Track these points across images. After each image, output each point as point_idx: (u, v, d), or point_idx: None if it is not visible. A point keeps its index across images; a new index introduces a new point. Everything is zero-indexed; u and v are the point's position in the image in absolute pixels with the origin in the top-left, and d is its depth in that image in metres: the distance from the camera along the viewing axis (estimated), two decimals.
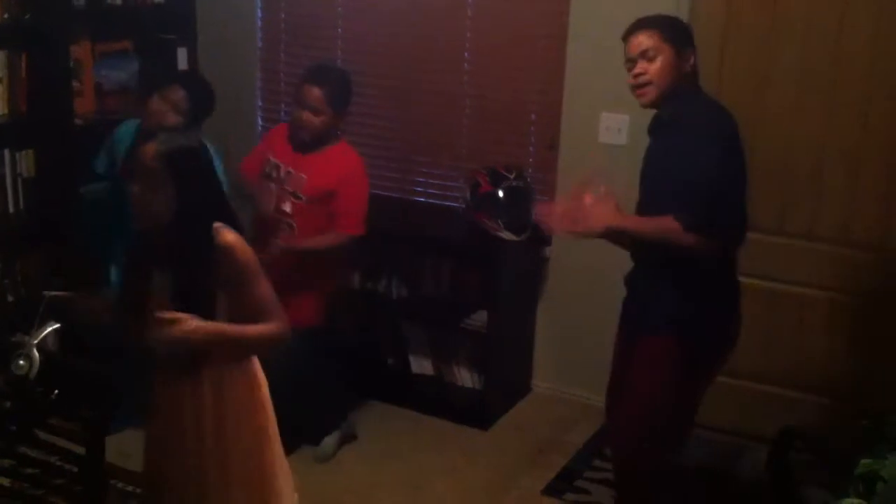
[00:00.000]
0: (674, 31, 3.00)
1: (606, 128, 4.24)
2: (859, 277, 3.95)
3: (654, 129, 3.13)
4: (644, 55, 2.98)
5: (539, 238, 4.41)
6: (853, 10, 3.78)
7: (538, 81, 4.40)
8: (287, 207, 3.73)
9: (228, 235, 2.54)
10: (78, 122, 4.18)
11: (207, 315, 2.50)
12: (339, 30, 4.77)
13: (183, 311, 2.46)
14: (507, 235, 4.15)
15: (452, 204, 4.52)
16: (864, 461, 2.52)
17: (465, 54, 4.52)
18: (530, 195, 4.25)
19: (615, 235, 3.04)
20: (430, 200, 4.66)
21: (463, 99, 4.54)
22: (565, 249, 4.43)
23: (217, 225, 2.54)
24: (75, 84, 4.22)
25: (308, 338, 3.66)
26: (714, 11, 4.00)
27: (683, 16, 3.99)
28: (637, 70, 3.00)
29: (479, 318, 4.33)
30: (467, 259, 4.35)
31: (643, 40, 2.98)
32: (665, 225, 2.85)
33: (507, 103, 4.46)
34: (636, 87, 3.03)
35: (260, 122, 5.06)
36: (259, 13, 4.94)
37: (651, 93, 3.02)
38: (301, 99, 3.70)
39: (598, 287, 4.40)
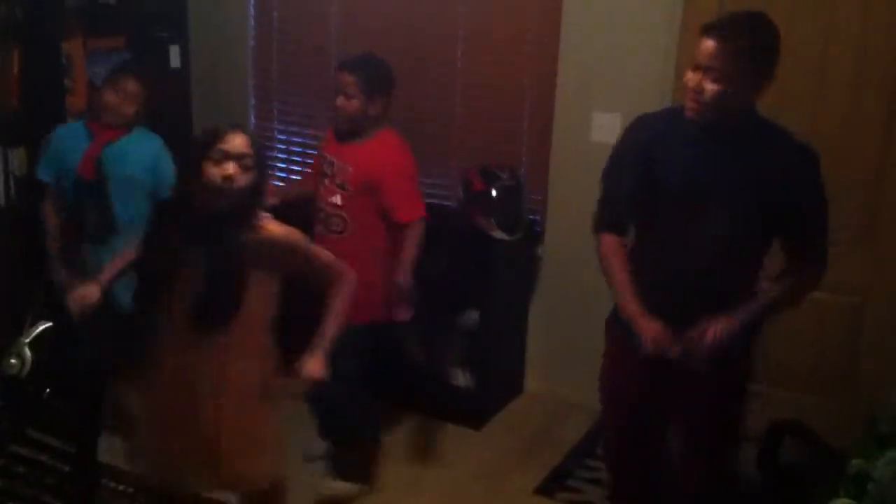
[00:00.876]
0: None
1: (599, 126, 4.24)
2: (849, 275, 3.96)
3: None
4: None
5: (531, 237, 4.42)
6: (843, 12, 3.80)
7: (531, 79, 4.41)
8: (337, 200, 3.70)
9: (273, 224, 2.71)
10: (70, 119, 4.16)
11: (229, 295, 2.62)
12: (332, 28, 4.76)
13: (208, 288, 2.58)
14: (499, 234, 4.15)
15: (445, 203, 4.51)
16: (855, 461, 2.54)
17: (458, 53, 4.52)
18: (523, 194, 4.25)
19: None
20: (433, 201, 4.66)
21: (455, 97, 4.54)
22: (558, 249, 4.43)
23: (265, 214, 2.71)
24: (67, 81, 4.20)
25: (372, 334, 3.70)
26: (706, 8, 3.99)
27: (677, 12, 4.02)
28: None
29: (472, 317, 4.33)
30: (459, 258, 4.34)
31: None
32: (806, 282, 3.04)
33: (500, 102, 4.47)
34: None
35: (253, 119, 5.05)
36: (252, 11, 4.93)
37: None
38: (336, 85, 3.71)
39: (591, 286, 4.39)
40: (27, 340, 2.41)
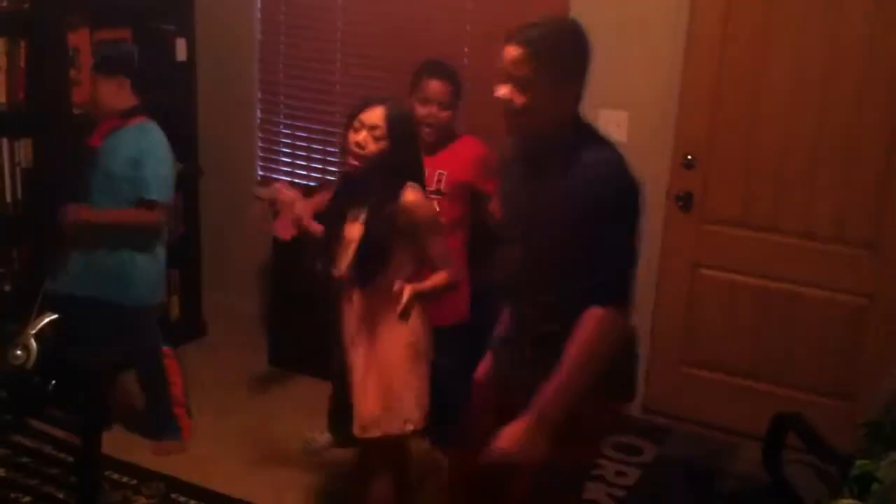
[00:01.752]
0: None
1: (606, 124, 4.22)
2: (853, 275, 3.97)
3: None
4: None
5: None
6: (848, 10, 3.79)
7: None
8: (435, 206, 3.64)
9: (412, 194, 2.97)
10: (76, 111, 4.16)
11: (379, 256, 2.95)
12: (339, 22, 4.75)
13: (364, 249, 2.95)
14: None
15: None
16: (859, 462, 2.53)
17: (465, 48, 4.51)
18: None
19: None
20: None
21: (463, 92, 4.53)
22: None
23: (410, 183, 2.98)
24: (73, 73, 4.20)
25: (461, 335, 3.66)
26: (713, 8, 3.99)
27: (684, 11, 4.01)
28: None
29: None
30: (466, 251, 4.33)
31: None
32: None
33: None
34: None
35: (259, 113, 5.04)
36: (258, 4, 4.92)
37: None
38: (426, 95, 3.67)
39: None
40: (33, 332, 2.40)
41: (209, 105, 4.83)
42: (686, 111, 4.11)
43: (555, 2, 4.26)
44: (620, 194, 2.42)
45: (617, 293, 2.35)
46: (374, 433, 3.07)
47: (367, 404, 3.06)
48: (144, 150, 3.73)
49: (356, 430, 3.08)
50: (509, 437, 2.37)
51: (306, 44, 4.83)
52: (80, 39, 4.23)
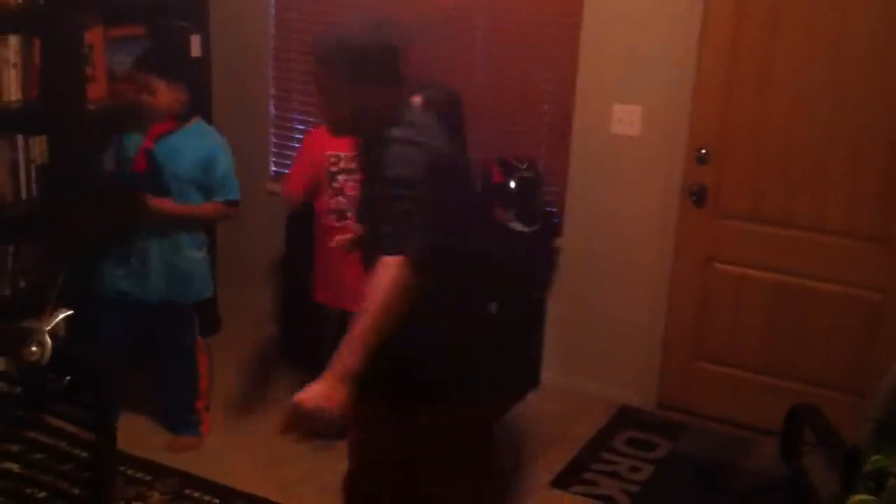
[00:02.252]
0: None
1: (619, 119, 4.23)
2: (866, 269, 3.95)
3: None
4: None
5: (550, 229, 4.41)
6: (856, 4, 3.78)
7: (551, 72, 4.40)
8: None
9: None
10: (90, 107, 4.17)
11: None
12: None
13: None
14: (517, 226, 4.15)
15: None
16: (873, 457, 2.53)
17: (478, 44, 4.51)
18: (541, 186, 4.24)
19: None
20: None
21: (475, 89, 4.52)
22: (576, 241, 4.43)
23: None
24: (88, 70, 4.21)
25: None
26: (726, 2, 3.98)
27: (697, 5, 4.00)
28: None
29: (490, 309, 4.32)
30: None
31: None
32: None
33: (520, 94, 4.46)
34: None
35: (272, 109, 5.06)
36: (272, 0, 4.93)
37: None
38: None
39: (609, 279, 4.41)
40: (48, 328, 2.41)
41: (223, 101, 4.84)
42: (699, 106, 4.10)
43: None
44: (402, 159, 2.49)
45: (396, 246, 2.41)
46: None
47: None
48: (212, 151, 3.80)
49: None
50: (308, 390, 2.44)
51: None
52: (94, 36, 4.24)
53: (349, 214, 3.76)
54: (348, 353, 2.40)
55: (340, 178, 3.85)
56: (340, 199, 3.87)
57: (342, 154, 3.79)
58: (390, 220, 2.43)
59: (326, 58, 2.56)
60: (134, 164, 3.79)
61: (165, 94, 3.72)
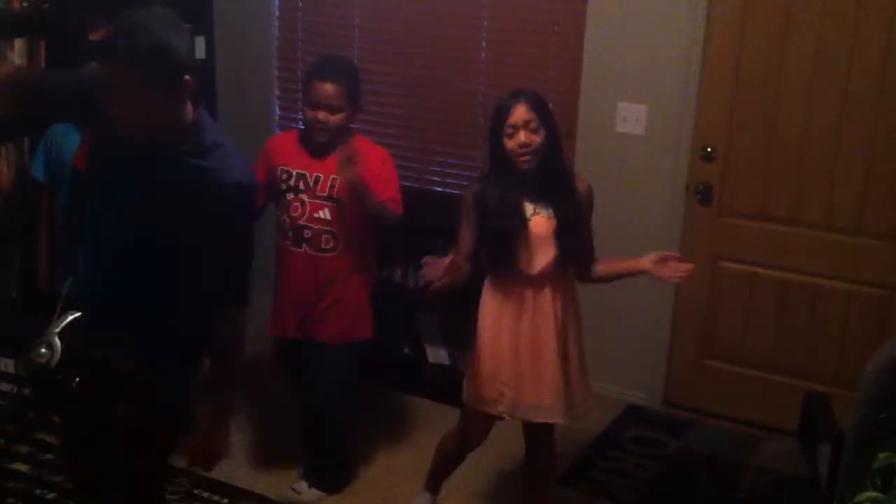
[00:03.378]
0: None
1: (624, 118, 4.24)
2: (874, 267, 3.95)
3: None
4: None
5: None
6: (868, 1, 3.78)
7: (556, 71, 4.40)
8: (325, 214, 3.47)
9: (584, 181, 3.19)
10: None
11: (580, 245, 3.15)
12: (356, 19, 4.76)
13: (563, 231, 3.08)
14: None
15: None
16: (882, 454, 2.52)
17: (483, 43, 4.51)
18: None
19: None
20: (447, 190, 4.66)
21: (480, 87, 4.53)
22: None
23: (576, 175, 3.22)
24: None
25: (361, 351, 3.69)
26: (732, 1, 3.98)
27: (702, 3, 3.99)
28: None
29: None
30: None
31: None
32: None
33: None
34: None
35: (277, 111, 5.06)
36: (276, 1, 4.93)
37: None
38: (314, 98, 3.43)
39: None
40: (57, 330, 2.42)
41: (228, 103, 4.85)
42: (705, 103, 4.10)
43: None
44: None
45: None
46: (545, 418, 3.20)
47: (537, 389, 3.15)
48: None
49: (526, 414, 3.20)
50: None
51: (324, 40, 4.83)
52: (99, 38, 4.25)
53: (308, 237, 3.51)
54: None
55: (289, 196, 3.53)
56: (285, 218, 3.55)
57: (292, 170, 3.53)
58: None
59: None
60: (75, 163, 3.62)
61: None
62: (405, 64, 4.65)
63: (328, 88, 3.40)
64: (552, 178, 3.08)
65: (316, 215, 3.48)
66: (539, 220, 3.07)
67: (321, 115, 3.41)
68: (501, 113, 3.04)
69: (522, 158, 3.02)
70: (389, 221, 3.52)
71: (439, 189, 4.68)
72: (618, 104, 4.24)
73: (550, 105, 3.16)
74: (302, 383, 3.77)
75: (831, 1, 3.83)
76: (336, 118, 3.42)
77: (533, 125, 3.01)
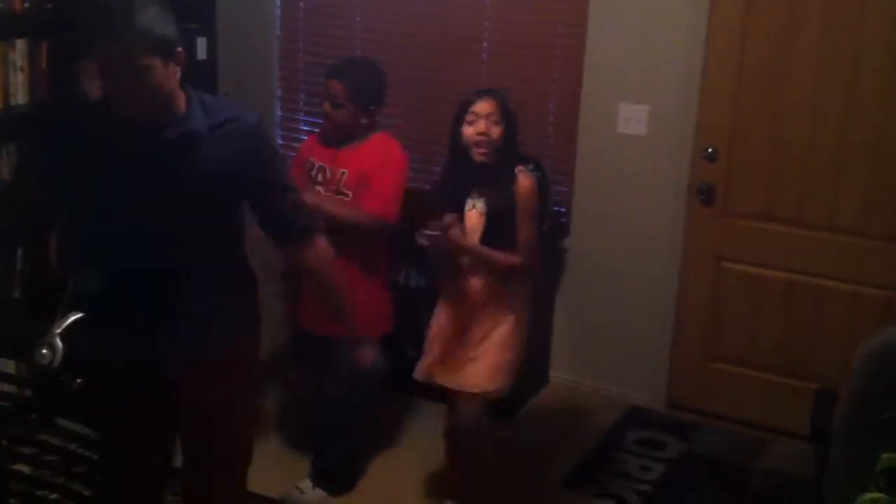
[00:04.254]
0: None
1: (625, 118, 4.23)
2: (879, 268, 3.94)
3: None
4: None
5: (557, 228, 4.41)
6: (871, 21, 3.77)
7: (557, 71, 4.39)
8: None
9: (526, 178, 3.25)
10: None
11: (507, 230, 3.23)
12: (358, 19, 4.76)
13: (491, 226, 3.23)
14: None
15: None
16: (885, 455, 2.51)
17: (484, 44, 4.51)
18: (548, 185, 4.24)
19: None
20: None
21: (481, 88, 4.52)
22: (584, 240, 4.42)
23: (520, 167, 3.27)
24: None
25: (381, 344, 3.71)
26: (734, 3, 3.98)
27: (705, 3, 3.99)
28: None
29: None
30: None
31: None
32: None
33: (526, 93, 4.45)
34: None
35: (279, 111, 5.06)
36: (278, 2, 4.93)
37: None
38: (325, 92, 3.70)
39: (617, 278, 4.40)
40: (59, 331, 2.42)
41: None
42: (707, 103, 4.10)
43: None
44: None
45: None
46: (496, 385, 3.36)
47: (477, 375, 3.33)
48: None
49: (479, 386, 3.34)
50: None
51: (326, 41, 4.83)
52: None
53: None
54: None
55: (310, 187, 3.69)
56: None
57: (316, 162, 3.74)
58: None
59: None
60: None
61: None
62: (406, 66, 4.64)
63: (332, 85, 3.63)
64: (496, 174, 3.22)
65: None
66: (472, 215, 3.26)
67: (327, 108, 3.66)
68: (465, 104, 3.22)
69: (479, 150, 3.18)
70: (372, 228, 3.62)
71: None
72: (619, 105, 4.24)
73: (516, 108, 3.30)
74: (315, 381, 3.80)
75: (835, 2, 3.82)
76: (339, 113, 3.62)
77: (494, 118, 3.16)
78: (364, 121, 3.66)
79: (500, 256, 3.26)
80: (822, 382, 4.02)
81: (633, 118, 4.22)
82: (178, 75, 2.45)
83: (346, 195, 3.62)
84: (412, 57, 4.63)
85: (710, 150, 4.13)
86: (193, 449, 2.79)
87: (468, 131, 3.18)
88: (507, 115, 3.20)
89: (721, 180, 4.15)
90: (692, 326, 4.33)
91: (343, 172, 3.63)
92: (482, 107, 3.17)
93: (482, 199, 3.25)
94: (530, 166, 3.53)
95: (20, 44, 3.99)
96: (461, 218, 3.28)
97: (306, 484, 3.72)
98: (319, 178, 3.69)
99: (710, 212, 4.19)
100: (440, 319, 3.43)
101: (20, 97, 4.02)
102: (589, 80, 4.28)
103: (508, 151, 3.24)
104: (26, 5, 3.97)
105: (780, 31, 3.93)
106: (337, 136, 3.69)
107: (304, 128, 5.01)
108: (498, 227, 3.24)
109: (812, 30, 3.88)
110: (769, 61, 3.97)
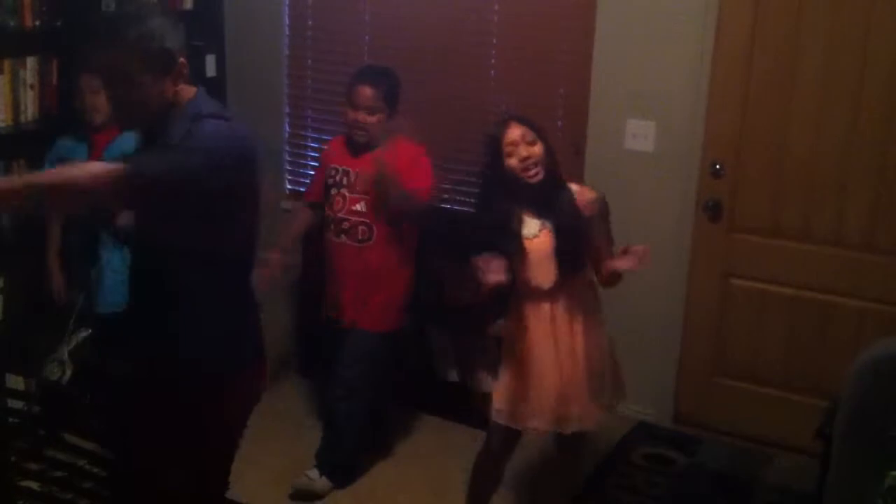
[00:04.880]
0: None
1: (633, 134, 4.24)
2: (886, 284, 3.94)
3: None
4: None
5: None
6: (878, 14, 3.78)
7: (565, 88, 4.41)
8: (360, 207, 3.76)
9: (580, 188, 3.19)
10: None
11: (580, 255, 3.14)
12: (367, 37, 4.78)
13: (567, 253, 3.10)
14: None
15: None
16: (892, 472, 2.52)
17: (492, 60, 4.52)
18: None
19: None
20: (454, 207, 4.66)
21: (489, 104, 4.54)
22: None
23: (571, 183, 3.19)
24: None
25: (393, 341, 3.89)
26: (741, 17, 3.99)
27: (711, 19, 4.00)
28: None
29: (502, 322, 4.32)
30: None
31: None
32: None
33: (533, 109, 4.45)
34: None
35: (287, 128, 5.08)
36: (286, 20, 4.95)
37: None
38: (354, 100, 3.73)
39: (624, 294, 4.39)
40: (69, 348, 2.44)
41: (238, 119, 4.86)
42: (714, 119, 4.11)
43: (582, 12, 4.27)
44: None
45: None
46: (588, 425, 3.22)
47: (580, 400, 3.17)
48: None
49: (573, 427, 3.19)
50: None
51: (333, 58, 4.85)
52: None
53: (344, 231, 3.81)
54: None
55: (333, 191, 3.86)
56: (329, 212, 3.86)
57: (339, 167, 3.85)
58: None
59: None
60: None
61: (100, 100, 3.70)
62: (415, 81, 4.64)
63: (365, 91, 3.71)
64: (552, 193, 3.12)
65: (353, 208, 3.77)
66: (544, 238, 3.10)
67: (360, 116, 3.72)
68: (495, 137, 3.11)
69: (529, 172, 3.06)
70: (417, 208, 3.71)
71: (448, 206, 4.68)
72: (627, 121, 4.25)
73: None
74: (329, 372, 3.91)
75: (841, 16, 3.83)
76: (373, 119, 3.72)
77: (529, 138, 3.07)
78: (389, 127, 3.73)
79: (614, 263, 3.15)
80: (828, 398, 4.03)
81: (640, 134, 4.23)
82: (176, 88, 2.47)
83: (358, 194, 3.75)
84: (420, 74, 4.64)
85: (716, 165, 4.13)
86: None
87: (512, 163, 3.06)
88: (538, 132, 3.12)
89: (728, 196, 4.15)
90: (699, 342, 4.33)
91: (368, 173, 3.68)
92: (512, 134, 3.08)
93: (548, 220, 3.12)
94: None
95: (31, 61, 4.02)
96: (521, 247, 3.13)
97: (314, 472, 3.82)
98: (343, 181, 3.80)
99: (716, 227, 4.19)
100: (536, 357, 3.19)
101: (30, 114, 4.04)
102: (596, 96, 4.29)
103: (553, 166, 3.13)
104: (37, 23, 4.00)
105: (785, 47, 3.94)
106: (367, 144, 3.74)
107: (313, 144, 5.02)
108: (572, 245, 3.12)
109: (817, 46, 3.89)
110: (775, 77, 3.98)
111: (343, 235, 3.80)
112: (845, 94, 3.87)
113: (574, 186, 3.19)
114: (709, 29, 4.02)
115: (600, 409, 3.22)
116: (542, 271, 3.10)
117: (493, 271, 3.00)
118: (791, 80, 3.95)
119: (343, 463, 3.88)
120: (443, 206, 4.67)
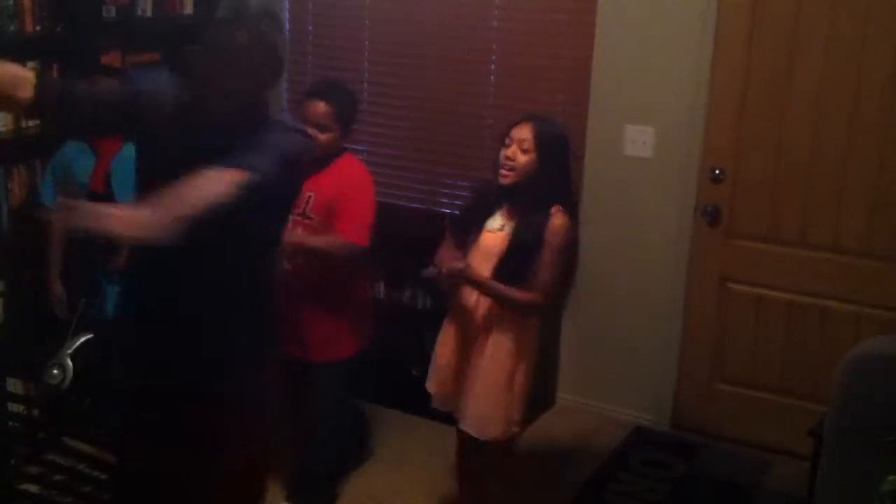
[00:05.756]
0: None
1: (632, 140, 4.25)
2: (884, 289, 3.95)
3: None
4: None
5: None
6: (876, 19, 3.79)
7: (564, 93, 4.42)
8: (299, 231, 3.45)
9: (561, 219, 3.10)
10: None
11: (522, 267, 3.09)
12: (367, 42, 4.79)
13: (512, 254, 3.09)
14: None
15: None
16: (890, 478, 2.52)
17: (492, 66, 4.54)
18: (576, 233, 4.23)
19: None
20: (454, 212, 4.66)
21: (488, 110, 4.56)
22: (590, 261, 4.43)
23: (559, 206, 3.11)
24: None
25: (347, 369, 3.66)
26: (740, 24, 4.00)
27: (710, 26, 4.02)
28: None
29: None
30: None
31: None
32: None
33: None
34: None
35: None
36: (286, 16, 4.97)
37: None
38: (306, 115, 3.42)
39: (623, 299, 4.41)
40: (69, 352, 2.44)
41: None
42: (713, 125, 4.12)
43: (581, 18, 4.28)
44: None
45: None
46: (491, 434, 3.23)
47: (480, 405, 3.21)
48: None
49: (474, 431, 3.23)
50: None
51: (334, 64, 4.87)
52: (112, 62, 4.28)
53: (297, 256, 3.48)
54: None
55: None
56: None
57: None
58: None
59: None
60: (92, 187, 3.73)
61: None
62: (415, 87, 4.68)
63: (317, 107, 3.43)
64: (527, 204, 3.12)
65: (296, 232, 3.45)
66: (497, 235, 3.16)
67: (310, 132, 3.30)
68: (510, 125, 3.17)
69: (501, 171, 3.13)
70: (347, 255, 3.49)
71: (447, 210, 4.69)
72: (626, 127, 4.26)
73: (565, 139, 3.21)
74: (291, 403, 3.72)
75: (838, 24, 3.84)
76: (324, 137, 3.41)
77: (526, 145, 3.08)
78: (342, 144, 3.52)
79: (516, 294, 3.10)
80: (828, 403, 4.04)
81: (639, 140, 4.25)
82: None
83: (311, 219, 3.45)
84: (420, 80, 4.66)
85: (715, 171, 4.15)
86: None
87: (501, 152, 3.13)
88: (542, 145, 3.08)
89: (726, 201, 4.16)
90: (697, 347, 4.34)
91: (310, 196, 3.43)
92: (519, 131, 3.11)
93: (511, 224, 3.14)
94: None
95: (31, 66, 4.02)
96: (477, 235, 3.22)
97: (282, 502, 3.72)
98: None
99: (715, 233, 4.21)
100: (445, 338, 3.35)
101: (31, 119, 4.04)
102: (595, 102, 4.31)
103: (542, 183, 3.10)
104: (38, 28, 4.00)
105: (784, 54, 3.95)
106: (315, 161, 3.36)
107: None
108: (518, 258, 3.10)
109: (816, 53, 3.90)
110: (773, 84, 3.99)
111: (286, 261, 3.45)
112: (843, 102, 3.89)
113: (558, 211, 3.12)
114: (707, 36, 4.04)
115: (496, 425, 3.23)
116: (483, 265, 3.14)
117: (449, 260, 3.15)
118: (789, 87, 3.97)
119: (316, 491, 3.76)
120: (441, 210, 4.70)
